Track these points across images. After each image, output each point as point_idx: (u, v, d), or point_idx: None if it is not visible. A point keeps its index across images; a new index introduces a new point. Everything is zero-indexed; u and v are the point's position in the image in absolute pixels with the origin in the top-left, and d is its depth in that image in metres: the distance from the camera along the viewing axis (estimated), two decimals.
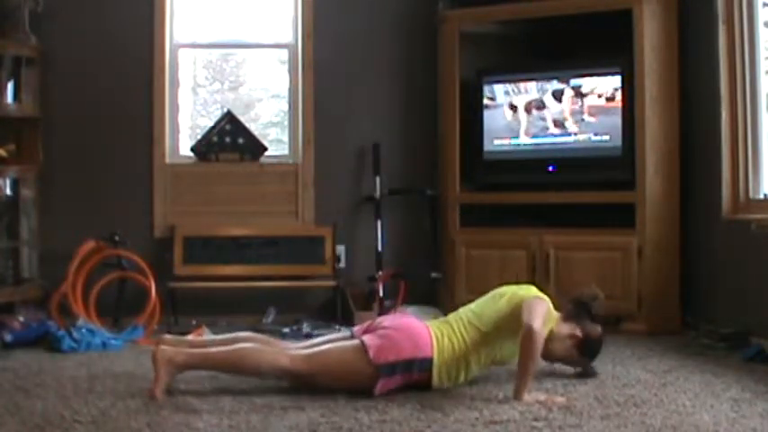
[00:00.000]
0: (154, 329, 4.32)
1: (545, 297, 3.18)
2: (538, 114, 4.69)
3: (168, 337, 3.24)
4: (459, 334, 3.10)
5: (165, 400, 2.88)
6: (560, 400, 2.88)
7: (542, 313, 3.03)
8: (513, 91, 4.75)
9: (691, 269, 4.50)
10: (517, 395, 2.88)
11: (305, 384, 3.02)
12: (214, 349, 3.08)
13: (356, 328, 3.23)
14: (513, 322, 3.05)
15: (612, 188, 4.49)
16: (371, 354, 2.94)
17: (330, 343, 3.15)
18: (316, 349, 3.08)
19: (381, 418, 2.64)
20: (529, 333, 2.92)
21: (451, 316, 3.25)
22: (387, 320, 3.18)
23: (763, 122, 4.06)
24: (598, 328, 3.28)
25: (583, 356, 3.27)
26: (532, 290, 3.23)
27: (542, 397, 2.89)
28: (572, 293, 3.37)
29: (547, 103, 4.67)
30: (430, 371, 3.01)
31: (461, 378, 3.10)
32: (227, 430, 2.54)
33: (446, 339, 3.07)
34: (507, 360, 3.21)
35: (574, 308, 3.27)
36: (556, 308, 3.24)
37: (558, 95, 4.65)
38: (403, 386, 3.01)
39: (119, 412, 2.73)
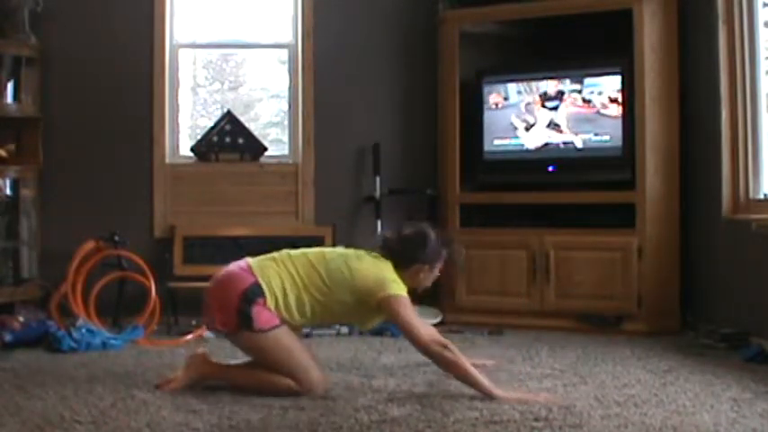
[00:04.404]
0: (154, 329, 4.32)
1: (399, 288, 3.02)
2: (537, 114, 4.69)
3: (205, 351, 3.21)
4: (289, 265, 3.05)
5: (165, 399, 2.88)
6: (544, 396, 2.88)
7: (416, 319, 2.98)
8: (508, 93, 4.75)
9: (691, 269, 4.50)
10: (489, 396, 2.84)
11: None
12: (236, 369, 3.12)
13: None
14: (363, 306, 3.03)
15: (612, 188, 4.48)
16: (220, 328, 3.00)
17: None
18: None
19: (381, 418, 2.63)
20: (447, 363, 2.90)
21: (279, 254, 3.15)
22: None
23: (763, 122, 4.06)
24: (443, 245, 3.21)
25: (435, 262, 3.20)
26: (387, 285, 3.00)
27: (527, 394, 2.90)
28: (387, 245, 3.18)
29: (546, 104, 4.67)
30: (264, 295, 2.97)
31: (297, 314, 3.01)
32: (227, 430, 2.54)
33: (267, 262, 3.07)
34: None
35: (403, 253, 3.15)
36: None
37: (558, 96, 4.65)
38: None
39: (119, 412, 2.72)
